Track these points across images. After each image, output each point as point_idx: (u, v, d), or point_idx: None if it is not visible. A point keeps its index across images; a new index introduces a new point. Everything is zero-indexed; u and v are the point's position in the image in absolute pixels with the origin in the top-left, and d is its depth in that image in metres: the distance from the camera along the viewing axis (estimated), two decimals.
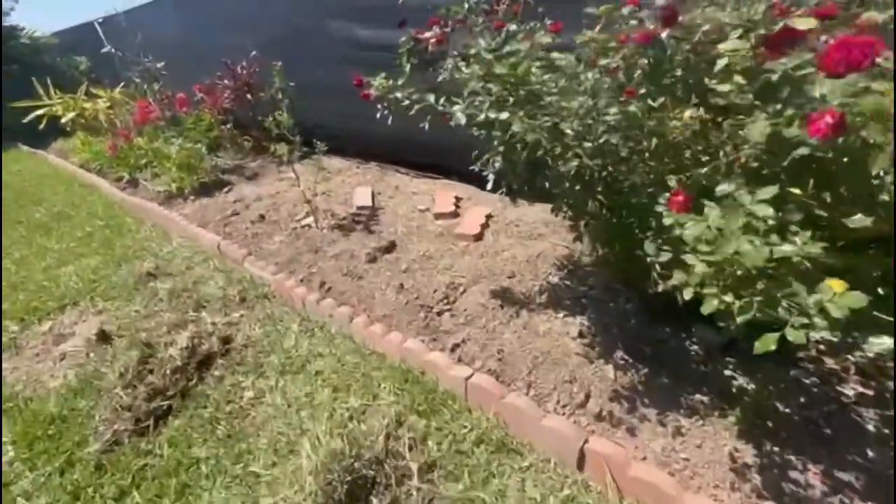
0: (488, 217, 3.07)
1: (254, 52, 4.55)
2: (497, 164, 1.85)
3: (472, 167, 2.09)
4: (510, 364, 1.83)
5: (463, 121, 1.59)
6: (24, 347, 2.25)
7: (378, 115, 1.89)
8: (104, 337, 2.21)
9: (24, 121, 6.58)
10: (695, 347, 1.79)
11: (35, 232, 3.69)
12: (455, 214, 3.17)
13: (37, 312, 2.49)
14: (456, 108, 1.60)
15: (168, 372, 1.83)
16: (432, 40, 1.82)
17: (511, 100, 1.57)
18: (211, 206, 3.88)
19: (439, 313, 2.22)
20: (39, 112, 6.67)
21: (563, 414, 1.61)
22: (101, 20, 8.20)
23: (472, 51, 1.66)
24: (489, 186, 1.97)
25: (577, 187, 1.65)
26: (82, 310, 2.52)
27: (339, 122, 4.49)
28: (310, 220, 3.38)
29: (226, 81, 4.79)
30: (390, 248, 2.81)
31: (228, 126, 5.53)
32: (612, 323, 1.92)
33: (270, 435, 1.63)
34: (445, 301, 2.31)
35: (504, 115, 1.50)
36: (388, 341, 2.03)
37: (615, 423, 1.57)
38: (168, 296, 2.49)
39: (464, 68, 1.64)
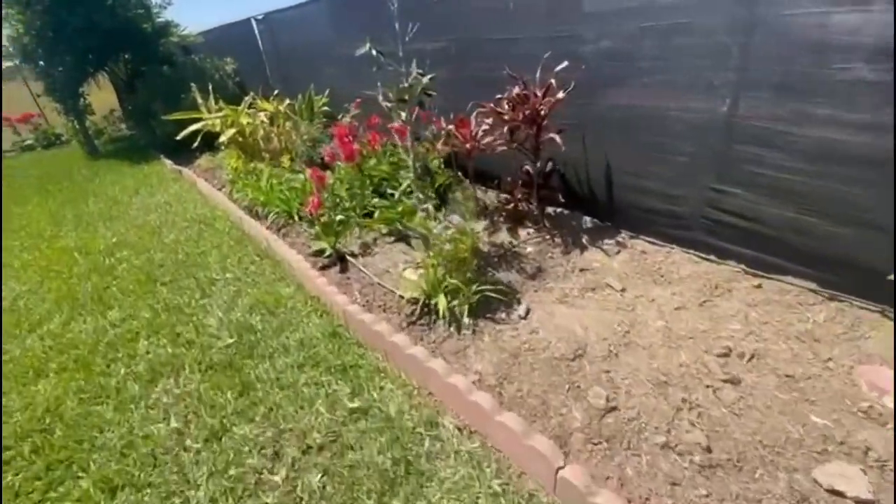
0: None
1: (565, 64, 2.58)
2: None
3: None
4: None
5: None
6: None
7: None
8: None
9: (179, 137, 5.26)
10: None
11: (220, 377, 1.96)
12: None
13: None
14: None
15: None
16: None
17: None
18: (529, 362, 1.94)
19: None
20: (196, 127, 5.32)
21: None
22: (261, 16, 6.88)
23: None
24: None
25: None
26: None
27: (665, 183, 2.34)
28: None
29: (499, 108, 2.87)
30: None
31: (441, 166, 3.68)
32: None
33: None
34: None
35: None
36: None
37: None
38: None
39: None
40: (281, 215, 3.67)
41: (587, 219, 3.13)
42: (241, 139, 5.19)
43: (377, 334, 2.12)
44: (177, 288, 2.81)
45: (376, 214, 3.25)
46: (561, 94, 2.50)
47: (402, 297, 2.37)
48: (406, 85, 2.25)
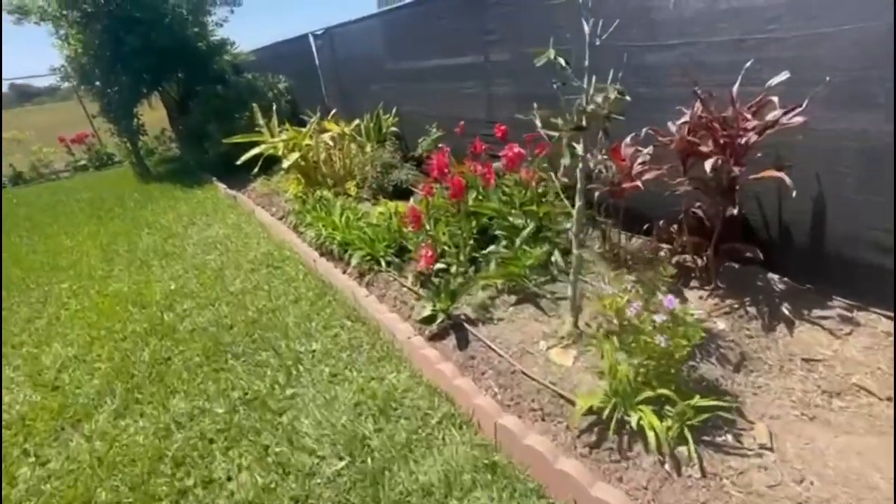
0: None
1: (784, 76, 1.86)
2: None
3: None
4: None
5: None
6: None
7: None
8: None
9: (240, 161, 4.79)
10: None
11: None
12: None
13: None
14: None
15: None
16: None
17: None
18: None
19: None
20: (257, 150, 4.85)
21: None
22: (319, 31, 6.45)
23: None
24: None
25: None
26: None
27: None
28: None
29: (667, 133, 2.17)
30: None
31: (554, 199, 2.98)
32: None
33: None
34: None
35: None
36: None
37: None
38: None
39: None
40: (364, 259, 3.06)
41: (774, 277, 2.35)
42: (302, 163, 4.67)
43: (564, 477, 1.41)
44: (253, 364, 2.19)
45: (492, 266, 2.57)
46: (794, 117, 1.77)
47: (572, 404, 1.66)
48: (588, 106, 1.58)
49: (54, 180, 8.51)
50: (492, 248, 2.63)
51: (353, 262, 3.01)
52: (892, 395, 1.30)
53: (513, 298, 2.46)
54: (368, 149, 4.81)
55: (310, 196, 4.33)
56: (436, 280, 2.46)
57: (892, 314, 2.06)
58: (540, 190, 2.95)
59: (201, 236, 4.13)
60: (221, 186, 5.81)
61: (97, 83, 6.74)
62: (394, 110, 5.13)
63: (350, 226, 3.44)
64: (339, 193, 4.57)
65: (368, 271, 3.02)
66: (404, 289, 2.78)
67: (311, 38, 6.65)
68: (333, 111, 5.77)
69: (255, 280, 3.10)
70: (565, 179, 2.85)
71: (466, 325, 2.30)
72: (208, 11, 6.85)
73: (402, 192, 4.37)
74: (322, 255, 3.40)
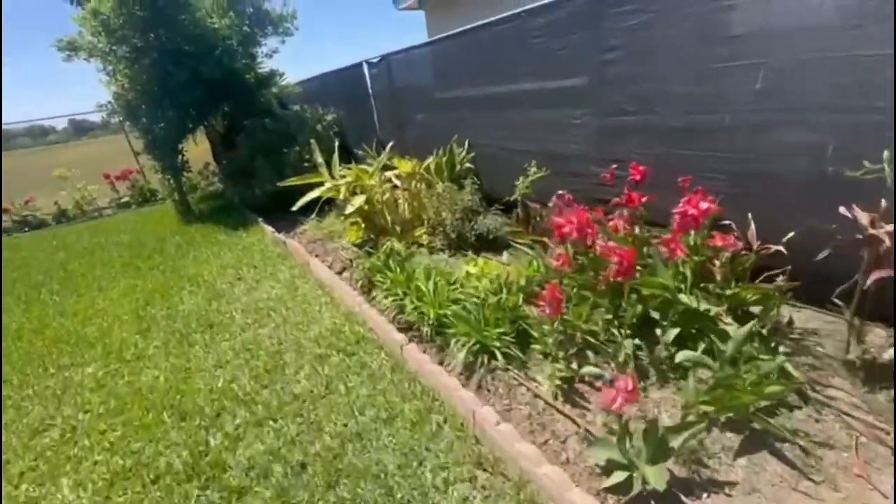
0: None
1: None
2: None
3: None
4: None
5: None
6: None
7: None
8: None
9: (294, 208, 4.15)
10: None
11: None
12: None
13: None
14: None
15: None
16: None
17: None
18: None
19: None
20: (316, 194, 4.21)
21: None
22: (375, 59, 5.91)
23: None
24: None
25: None
26: None
27: None
28: None
29: None
30: None
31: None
32: None
33: None
34: None
35: None
36: None
37: None
38: None
39: None
40: (471, 349, 2.24)
41: None
42: (365, 207, 3.98)
43: None
44: None
45: (689, 383, 1.70)
46: None
47: None
48: None
49: (97, 218, 8.22)
50: (687, 352, 1.75)
51: (460, 356, 2.19)
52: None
53: (732, 439, 1.57)
54: (439, 188, 4.09)
55: (378, 248, 3.60)
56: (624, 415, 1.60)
57: None
58: (721, 262, 2.09)
59: (250, 298, 3.44)
60: (269, 229, 5.19)
61: (143, 119, 6.38)
62: (466, 143, 4.42)
63: (440, 294, 2.65)
64: (409, 243, 3.84)
65: (478, 365, 2.20)
66: (538, 400, 1.95)
67: (366, 67, 6.12)
68: (391, 144, 5.13)
69: (325, 375, 2.32)
70: (781, 248, 2.00)
71: (682, 495, 1.42)
72: (259, 42, 6.45)
73: (486, 242, 3.60)
74: (403, 330, 2.62)
